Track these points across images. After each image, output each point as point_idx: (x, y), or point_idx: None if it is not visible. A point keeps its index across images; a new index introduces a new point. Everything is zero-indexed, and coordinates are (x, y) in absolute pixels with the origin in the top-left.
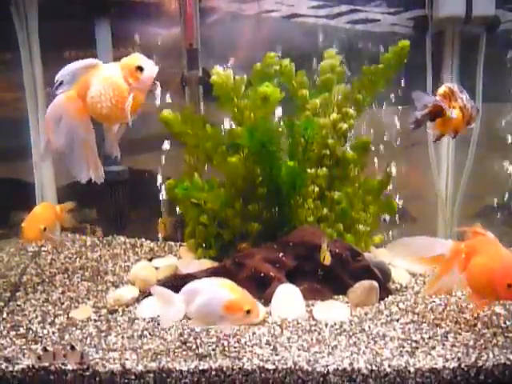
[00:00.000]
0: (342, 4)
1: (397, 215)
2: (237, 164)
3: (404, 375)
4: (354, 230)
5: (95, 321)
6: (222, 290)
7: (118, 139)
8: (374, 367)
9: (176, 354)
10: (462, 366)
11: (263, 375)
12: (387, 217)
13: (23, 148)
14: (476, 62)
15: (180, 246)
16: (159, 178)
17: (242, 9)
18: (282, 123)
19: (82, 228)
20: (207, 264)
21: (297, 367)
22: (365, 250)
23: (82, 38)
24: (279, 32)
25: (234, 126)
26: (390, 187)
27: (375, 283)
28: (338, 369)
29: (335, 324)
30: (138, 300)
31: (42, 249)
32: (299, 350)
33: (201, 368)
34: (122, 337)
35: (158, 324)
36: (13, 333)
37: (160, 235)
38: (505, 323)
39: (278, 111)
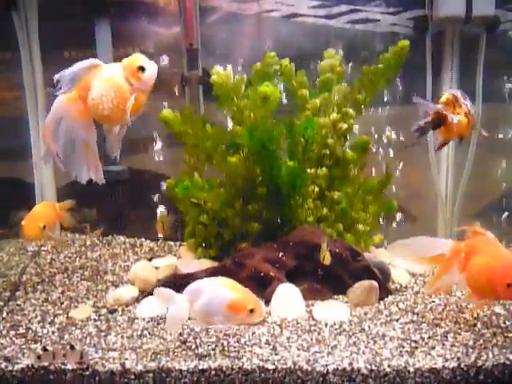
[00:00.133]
0: (341, 4)
1: (396, 215)
2: (237, 164)
3: (404, 375)
4: (353, 229)
5: (95, 320)
6: (225, 290)
7: (120, 140)
8: (373, 367)
9: (176, 353)
10: (462, 365)
11: (263, 375)
12: (387, 217)
13: (23, 148)
14: (476, 61)
15: (180, 245)
16: (159, 178)
17: (241, 8)
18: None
19: (82, 228)
20: (207, 264)
21: (296, 367)
22: (364, 249)
23: (81, 38)
24: (279, 32)
25: (233, 126)
26: (391, 187)
27: (375, 283)
28: (337, 368)
29: (335, 324)
30: (137, 300)
31: (42, 248)
32: (299, 349)
33: (200, 368)
34: (122, 336)
35: (158, 324)
36: (12, 332)
37: (159, 235)
38: (504, 323)
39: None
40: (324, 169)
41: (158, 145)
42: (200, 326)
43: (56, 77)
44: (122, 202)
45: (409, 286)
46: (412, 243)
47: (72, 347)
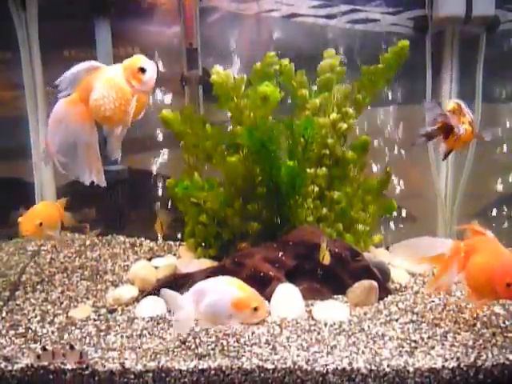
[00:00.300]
0: (342, 4)
1: (396, 215)
2: (236, 163)
3: (403, 375)
4: (353, 229)
5: (94, 320)
6: (230, 288)
7: (121, 141)
8: (373, 367)
9: (175, 353)
10: (461, 365)
11: (262, 375)
12: (387, 217)
13: (23, 148)
14: (476, 61)
15: (179, 245)
16: (159, 178)
17: (241, 8)
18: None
19: (82, 227)
20: (207, 263)
21: (296, 367)
22: (364, 249)
23: (81, 38)
24: (279, 32)
25: (233, 126)
26: (391, 187)
27: (375, 283)
28: (337, 368)
29: (334, 324)
30: (137, 299)
31: (42, 248)
32: (298, 349)
33: (200, 367)
34: (122, 336)
35: (158, 323)
36: (12, 332)
37: (159, 234)
38: (504, 323)
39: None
40: (324, 169)
41: (158, 144)
42: (207, 326)
43: (58, 81)
44: (121, 202)
45: (408, 285)
46: (414, 244)
47: (71, 347)
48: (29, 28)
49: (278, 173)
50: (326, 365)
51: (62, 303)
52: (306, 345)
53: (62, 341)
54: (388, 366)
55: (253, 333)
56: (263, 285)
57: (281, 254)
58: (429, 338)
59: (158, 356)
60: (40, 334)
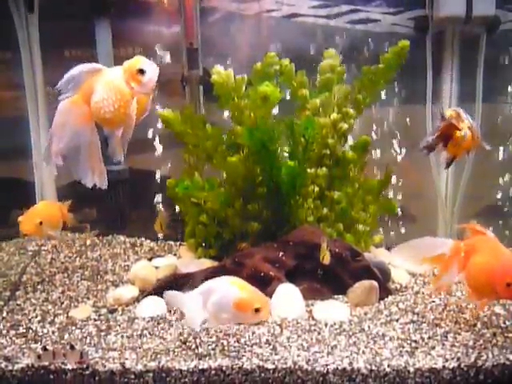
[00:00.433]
0: (342, 4)
1: (397, 215)
2: (237, 163)
3: (403, 375)
4: (353, 229)
5: (95, 320)
6: (233, 289)
7: (126, 143)
8: (373, 367)
9: (176, 353)
10: (462, 365)
11: (263, 375)
12: (387, 217)
13: (23, 148)
14: (476, 62)
15: (180, 245)
16: (159, 178)
17: (242, 8)
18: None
19: (83, 227)
20: (207, 263)
21: (296, 367)
22: (364, 249)
23: (82, 38)
24: (279, 32)
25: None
26: (391, 187)
27: (375, 283)
28: (337, 368)
29: (335, 324)
30: (137, 299)
31: (42, 248)
32: (299, 349)
33: (200, 367)
34: (122, 336)
35: (158, 323)
36: (12, 332)
37: (159, 234)
38: (504, 323)
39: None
40: (324, 169)
41: (159, 144)
42: (214, 326)
43: (60, 83)
44: (122, 202)
45: (409, 286)
46: (415, 245)
47: (72, 347)
48: (29, 28)
49: (278, 173)
50: (327, 365)
51: (62, 303)
52: (306, 345)
53: (62, 341)
54: (388, 366)
55: (253, 333)
56: (263, 285)
57: (281, 254)
58: (429, 338)
59: (159, 356)
60: (40, 333)
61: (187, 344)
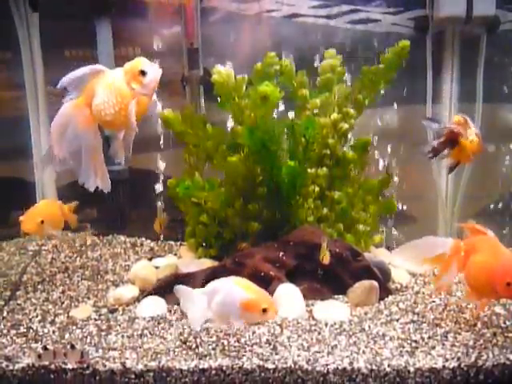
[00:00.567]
0: (342, 4)
1: (397, 215)
2: (237, 163)
3: (404, 375)
4: (353, 229)
5: (95, 320)
6: (239, 289)
7: (129, 145)
8: (373, 367)
9: (176, 353)
10: (462, 365)
11: (263, 374)
12: (388, 217)
13: (24, 147)
14: (476, 62)
15: (180, 245)
16: (159, 177)
17: (242, 8)
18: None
19: (83, 227)
20: (207, 263)
21: (297, 366)
22: (365, 249)
23: (82, 38)
24: (279, 32)
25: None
26: (391, 187)
27: (375, 283)
28: (337, 368)
29: (335, 324)
30: (138, 299)
31: (43, 248)
32: (299, 349)
33: (201, 367)
34: (122, 336)
35: (158, 323)
36: (13, 331)
37: (159, 234)
38: (504, 323)
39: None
40: (324, 169)
41: (159, 144)
42: (219, 326)
43: (60, 82)
44: (122, 202)
45: (409, 285)
46: (416, 245)
47: (72, 346)
48: (30, 28)
49: (278, 173)
50: (327, 365)
51: (62, 303)
52: (306, 345)
53: (62, 340)
54: (389, 365)
55: (253, 332)
56: (264, 285)
57: (281, 253)
58: (429, 338)
59: (159, 356)
60: (41, 333)
61: (187, 344)
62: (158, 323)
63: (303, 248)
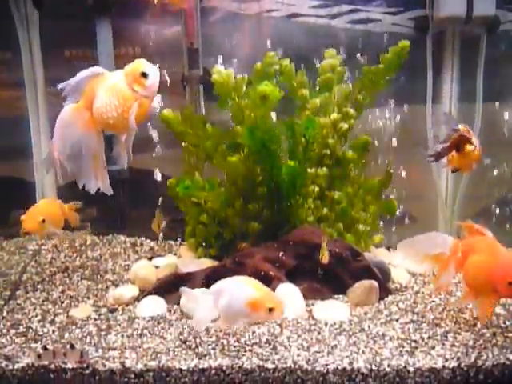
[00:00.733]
0: (342, 4)
1: (397, 215)
2: (237, 163)
3: (403, 375)
4: (353, 229)
5: (95, 319)
6: (246, 288)
7: (130, 147)
8: (373, 367)
9: (176, 352)
10: (462, 365)
11: (263, 374)
12: (388, 217)
13: (24, 147)
14: (476, 61)
15: (180, 245)
16: (159, 177)
17: (242, 8)
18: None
19: (84, 226)
20: (207, 263)
21: (296, 366)
22: (365, 249)
23: (82, 38)
24: (280, 32)
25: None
26: (391, 188)
27: (375, 283)
28: (337, 368)
29: (335, 323)
30: (137, 299)
31: (42, 247)
32: (299, 349)
33: (200, 367)
34: (122, 335)
35: (158, 323)
36: (13, 331)
37: (157, 234)
38: (504, 323)
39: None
40: (324, 168)
41: (159, 144)
42: (225, 326)
43: (61, 86)
44: (122, 202)
45: (409, 285)
46: (419, 241)
47: (72, 346)
48: (30, 28)
49: (278, 173)
50: (327, 364)
51: (62, 303)
52: (306, 344)
53: (62, 340)
54: (388, 365)
55: (253, 332)
56: (264, 284)
57: (281, 253)
58: (429, 337)
59: (159, 355)
60: (41, 333)
61: (187, 343)
62: (158, 323)
63: (303, 248)
